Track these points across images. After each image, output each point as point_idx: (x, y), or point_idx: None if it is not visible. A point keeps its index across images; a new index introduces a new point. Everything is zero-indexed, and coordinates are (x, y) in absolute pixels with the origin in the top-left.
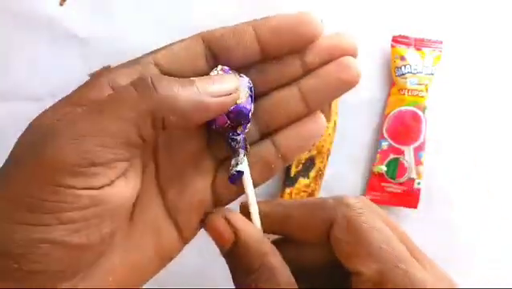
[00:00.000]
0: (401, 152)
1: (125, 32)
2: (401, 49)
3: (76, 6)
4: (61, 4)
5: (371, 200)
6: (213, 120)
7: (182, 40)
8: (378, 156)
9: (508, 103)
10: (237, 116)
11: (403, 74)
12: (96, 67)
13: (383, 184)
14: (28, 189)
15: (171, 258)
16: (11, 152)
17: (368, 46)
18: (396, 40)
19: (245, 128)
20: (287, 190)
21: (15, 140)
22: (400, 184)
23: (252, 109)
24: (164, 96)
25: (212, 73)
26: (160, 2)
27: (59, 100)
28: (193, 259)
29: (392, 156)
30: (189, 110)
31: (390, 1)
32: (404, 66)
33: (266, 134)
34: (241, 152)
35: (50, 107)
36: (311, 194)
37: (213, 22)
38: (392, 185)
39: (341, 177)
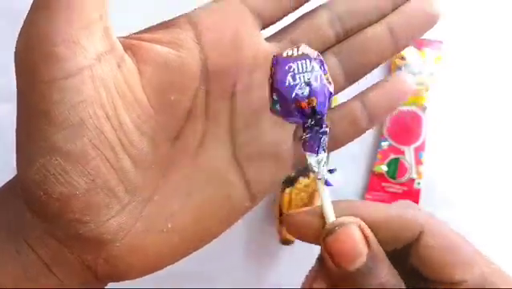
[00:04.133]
0: (401, 152)
1: (124, 32)
2: None
3: None
4: None
5: (371, 200)
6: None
7: None
8: (378, 156)
9: (508, 103)
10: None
11: None
12: None
13: (383, 184)
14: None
15: (236, 218)
16: None
17: None
18: None
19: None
20: (287, 190)
21: (15, 140)
22: (401, 184)
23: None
24: None
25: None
26: (160, 1)
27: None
28: (193, 259)
29: (392, 156)
30: None
31: None
32: (404, 66)
33: (351, 81)
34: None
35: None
36: (311, 194)
37: None
38: (393, 185)
39: (341, 177)
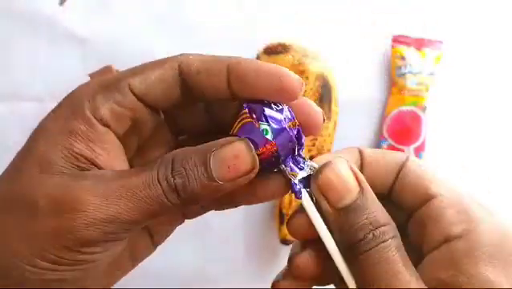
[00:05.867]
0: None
1: (125, 32)
2: (401, 49)
3: (76, 6)
4: (61, 4)
5: None
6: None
7: (159, 64)
8: None
9: (508, 102)
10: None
11: (403, 74)
12: (96, 67)
13: None
14: (51, 247)
15: (142, 260)
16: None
17: (368, 46)
18: (396, 40)
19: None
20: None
21: (16, 140)
22: None
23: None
24: (185, 196)
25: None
26: (159, 2)
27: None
28: (193, 259)
29: None
30: (202, 196)
31: (390, 1)
32: (404, 66)
33: None
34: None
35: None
36: None
37: (213, 22)
38: None
39: None
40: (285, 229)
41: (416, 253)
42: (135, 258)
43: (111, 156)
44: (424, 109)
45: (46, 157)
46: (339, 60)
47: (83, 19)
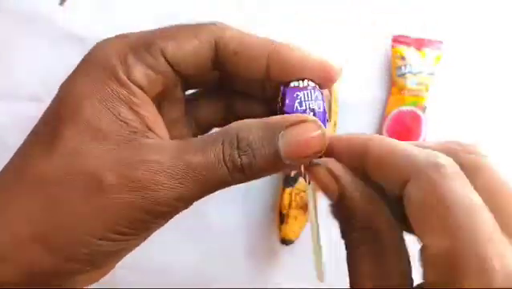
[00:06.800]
0: None
1: (125, 32)
2: (401, 49)
3: (76, 6)
4: (61, 4)
5: None
6: None
7: (193, 32)
8: None
9: (508, 102)
10: None
11: (403, 74)
12: None
13: None
14: (125, 221)
15: None
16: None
17: (368, 46)
18: (396, 40)
19: None
20: (287, 190)
21: (15, 140)
22: None
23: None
24: (250, 174)
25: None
26: (159, 2)
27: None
28: (193, 259)
29: None
30: (266, 173)
31: (390, 1)
32: (404, 66)
33: None
34: None
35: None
36: None
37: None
38: None
39: None
40: (285, 229)
41: None
42: None
43: (154, 119)
44: (424, 109)
45: (96, 126)
46: (339, 60)
47: (83, 19)
